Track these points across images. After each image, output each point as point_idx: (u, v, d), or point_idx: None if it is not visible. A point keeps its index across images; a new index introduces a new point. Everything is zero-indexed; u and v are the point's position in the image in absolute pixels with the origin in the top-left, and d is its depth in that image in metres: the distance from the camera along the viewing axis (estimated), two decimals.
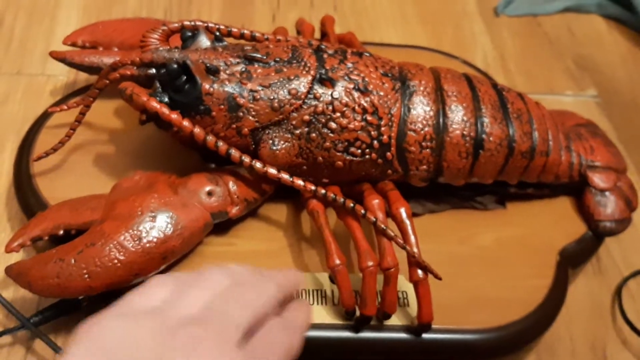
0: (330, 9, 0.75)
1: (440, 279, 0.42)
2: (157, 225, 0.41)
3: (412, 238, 0.43)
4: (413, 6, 0.77)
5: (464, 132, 0.46)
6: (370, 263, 0.42)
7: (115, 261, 0.39)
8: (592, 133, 0.56)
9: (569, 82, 0.72)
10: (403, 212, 0.44)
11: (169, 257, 0.42)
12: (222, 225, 0.46)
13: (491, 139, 0.47)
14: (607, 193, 0.52)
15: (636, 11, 0.77)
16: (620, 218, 0.52)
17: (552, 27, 0.78)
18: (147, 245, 0.40)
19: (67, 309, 0.44)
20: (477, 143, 0.47)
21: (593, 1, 0.80)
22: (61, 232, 0.42)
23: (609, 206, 0.52)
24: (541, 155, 0.49)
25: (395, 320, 0.44)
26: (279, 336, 0.33)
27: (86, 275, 0.39)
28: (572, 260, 0.51)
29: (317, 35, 0.61)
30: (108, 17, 0.68)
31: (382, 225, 0.42)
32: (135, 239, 0.40)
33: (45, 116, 0.53)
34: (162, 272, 0.42)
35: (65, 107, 0.49)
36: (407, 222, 0.43)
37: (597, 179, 0.52)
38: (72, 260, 0.39)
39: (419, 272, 0.42)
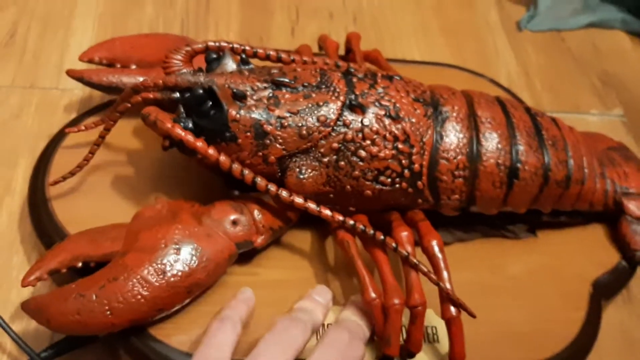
0: (350, 22, 0.73)
1: (474, 316, 0.41)
2: (181, 258, 0.39)
3: (445, 273, 0.41)
4: (435, 19, 0.75)
5: (499, 161, 0.44)
6: (397, 301, 0.40)
7: (139, 297, 0.38)
8: (625, 157, 0.54)
9: (595, 99, 0.70)
10: (435, 245, 0.42)
11: (194, 291, 0.40)
12: (245, 253, 0.44)
13: (526, 167, 0.45)
14: None
15: None
16: None
17: (576, 43, 0.76)
18: (172, 279, 0.39)
19: (81, 342, 0.42)
20: (511, 172, 0.45)
21: (617, 17, 0.78)
22: (80, 264, 0.40)
23: None
24: (577, 183, 0.47)
25: (422, 357, 0.42)
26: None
27: (108, 312, 0.37)
28: (605, 291, 0.49)
29: (341, 50, 0.59)
30: (124, 27, 0.67)
31: (415, 260, 0.40)
32: (160, 273, 0.38)
33: (60, 135, 0.51)
34: (185, 305, 0.41)
35: (83, 127, 0.47)
36: (440, 255, 0.42)
37: (633, 207, 0.50)
38: (94, 296, 0.37)
39: (452, 309, 0.40)
